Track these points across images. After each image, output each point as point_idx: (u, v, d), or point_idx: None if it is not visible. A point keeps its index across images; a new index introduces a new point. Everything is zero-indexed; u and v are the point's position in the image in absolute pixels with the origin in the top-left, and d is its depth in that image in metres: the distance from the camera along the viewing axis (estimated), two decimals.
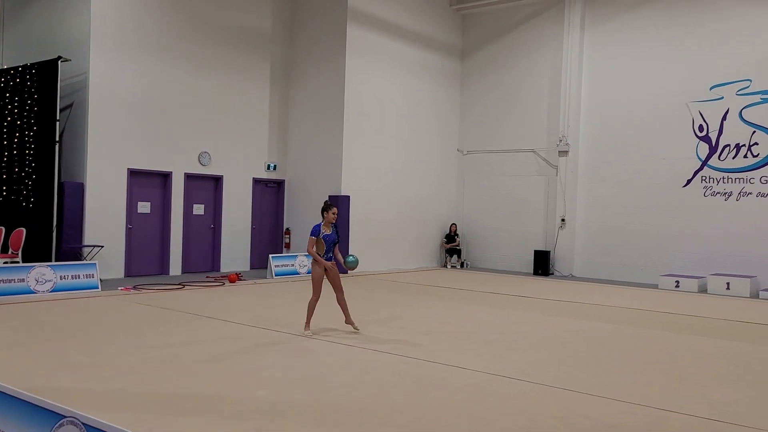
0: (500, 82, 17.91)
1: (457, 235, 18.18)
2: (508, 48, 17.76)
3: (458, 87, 18.62)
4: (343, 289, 8.41)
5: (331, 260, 8.24)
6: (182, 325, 8.61)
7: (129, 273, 13.47)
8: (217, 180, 15.08)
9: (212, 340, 7.76)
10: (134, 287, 11.90)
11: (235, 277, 13.22)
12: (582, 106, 16.59)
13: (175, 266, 14.23)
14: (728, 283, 13.69)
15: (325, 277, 8.16)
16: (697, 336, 8.97)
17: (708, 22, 14.83)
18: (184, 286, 12.38)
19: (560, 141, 16.56)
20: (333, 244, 8.27)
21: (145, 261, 13.82)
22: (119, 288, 11.77)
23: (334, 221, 8.29)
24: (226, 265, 15.16)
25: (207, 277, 13.90)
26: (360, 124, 15.73)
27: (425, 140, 17.65)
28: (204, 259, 14.90)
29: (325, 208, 8.29)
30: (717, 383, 6.44)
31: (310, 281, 8.31)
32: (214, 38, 14.72)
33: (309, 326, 8.25)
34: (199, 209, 14.78)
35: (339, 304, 8.41)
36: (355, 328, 8.46)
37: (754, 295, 13.50)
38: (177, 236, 14.25)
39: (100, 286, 11.51)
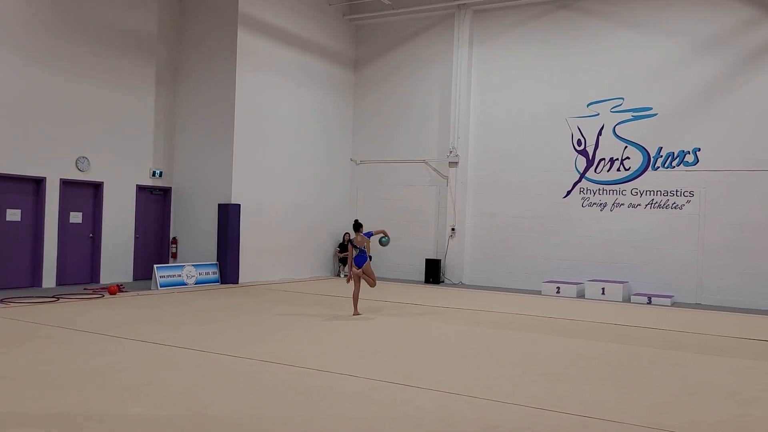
0: (393, 93, 18.19)
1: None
2: (401, 60, 18.09)
3: (351, 97, 18.72)
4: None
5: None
6: (54, 340, 8.02)
7: None
8: (97, 187, 14.26)
9: (86, 355, 7.28)
10: (1, 301, 10.98)
11: (116, 289, 12.54)
12: (471, 119, 17.15)
13: (49, 278, 13.30)
14: (603, 289, 14.56)
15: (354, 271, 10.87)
16: (574, 338, 9.45)
17: (586, 42, 15.80)
18: (58, 298, 11.58)
19: (450, 152, 17.02)
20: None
21: (14, 272, 12.81)
22: None
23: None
24: (107, 276, 14.35)
25: (85, 289, 13.09)
26: (251, 132, 15.43)
27: (318, 149, 17.59)
28: (82, 270, 14.03)
29: (361, 226, 11.12)
30: (590, 382, 6.79)
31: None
32: (93, 38, 13.95)
33: (357, 310, 10.89)
34: (76, 217, 13.91)
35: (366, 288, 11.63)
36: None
37: (626, 300, 14.43)
38: (51, 246, 13.33)
39: None
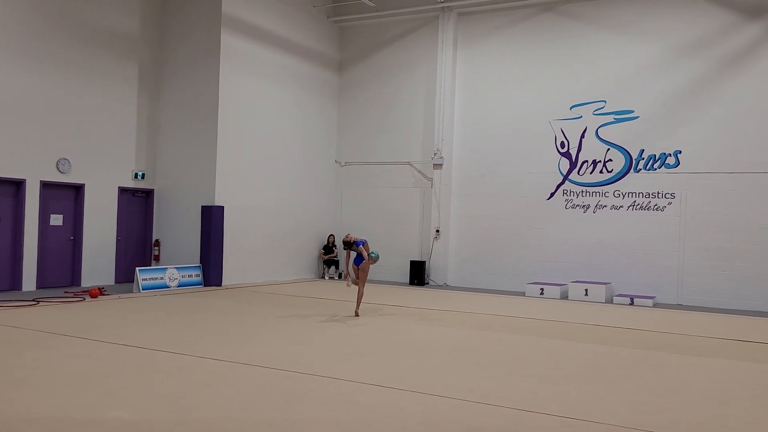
0: (377, 95, 18.19)
1: (335, 246, 18.17)
2: (385, 62, 18.09)
3: (336, 99, 18.70)
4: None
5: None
6: (34, 344, 7.92)
7: None
8: (78, 189, 14.11)
9: (66, 359, 7.19)
10: None
11: (97, 292, 12.41)
12: (455, 121, 17.20)
13: (29, 281, 13.13)
14: (586, 290, 14.65)
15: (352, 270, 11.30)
16: (557, 339, 9.49)
17: (569, 45, 15.90)
18: (38, 302, 11.44)
19: (435, 154, 17.06)
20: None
21: None
22: None
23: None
24: (88, 279, 14.19)
25: (65, 292, 12.93)
26: (235, 133, 15.35)
27: (302, 151, 17.54)
28: (63, 273, 13.87)
29: (351, 244, 11.18)
30: (573, 383, 6.82)
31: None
32: (74, 38, 13.81)
33: (358, 311, 11.16)
34: (57, 220, 13.76)
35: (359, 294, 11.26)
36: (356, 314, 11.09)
37: (609, 300, 14.53)
38: (31, 249, 13.16)
39: None
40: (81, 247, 14.12)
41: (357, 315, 11.08)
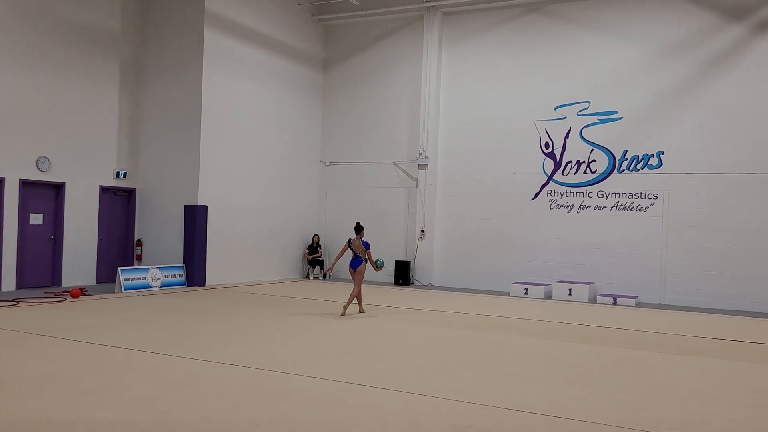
0: (362, 94, 18.14)
1: (320, 246, 18.11)
2: (371, 62, 18.06)
3: (321, 98, 18.63)
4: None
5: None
6: (13, 345, 7.79)
7: None
8: (59, 187, 13.93)
9: (46, 359, 7.08)
10: None
11: (79, 292, 12.26)
12: (440, 121, 17.20)
13: (8, 281, 12.93)
14: (570, 290, 14.71)
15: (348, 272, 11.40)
16: (541, 339, 9.52)
17: (554, 46, 15.96)
18: (18, 302, 11.27)
19: (420, 154, 17.05)
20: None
21: None
22: None
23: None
24: (69, 279, 14.01)
25: (46, 292, 12.75)
26: (218, 132, 15.24)
27: (287, 150, 17.46)
28: (43, 273, 13.68)
29: (362, 229, 11.35)
30: (557, 382, 6.83)
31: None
32: (54, 34, 13.62)
33: (362, 308, 11.56)
34: (36, 219, 13.57)
35: (357, 296, 11.38)
36: (362, 311, 11.52)
37: (592, 300, 14.61)
38: (10, 248, 12.97)
39: None
40: (62, 246, 13.94)
41: (343, 315, 11.04)
